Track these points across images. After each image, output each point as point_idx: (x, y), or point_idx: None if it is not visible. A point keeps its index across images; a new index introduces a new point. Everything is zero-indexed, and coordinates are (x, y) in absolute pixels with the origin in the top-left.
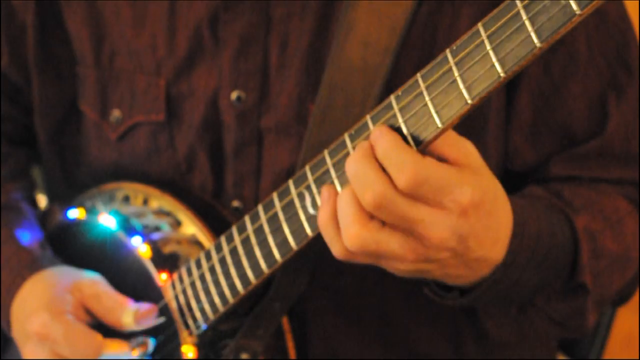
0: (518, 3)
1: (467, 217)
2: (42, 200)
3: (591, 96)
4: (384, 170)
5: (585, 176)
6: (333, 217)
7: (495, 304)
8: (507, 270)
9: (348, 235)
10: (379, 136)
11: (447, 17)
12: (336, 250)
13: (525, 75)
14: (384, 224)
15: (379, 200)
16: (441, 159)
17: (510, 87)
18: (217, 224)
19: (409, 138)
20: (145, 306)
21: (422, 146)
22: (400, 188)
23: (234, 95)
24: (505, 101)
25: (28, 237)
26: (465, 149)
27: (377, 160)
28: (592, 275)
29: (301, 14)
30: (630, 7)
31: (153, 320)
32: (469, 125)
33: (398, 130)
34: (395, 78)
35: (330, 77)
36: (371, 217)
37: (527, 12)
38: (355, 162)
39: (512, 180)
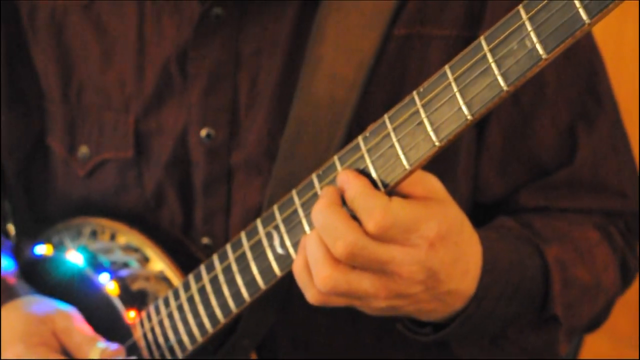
0: (484, 46)
1: (436, 250)
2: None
3: (560, 126)
4: (352, 216)
5: (554, 206)
6: (307, 264)
7: (468, 337)
8: (480, 304)
9: (320, 278)
10: (347, 181)
11: (417, 51)
12: (310, 296)
13: (495, 107)
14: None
15: (349, 249)
16: (407, 196)
17: (481, 120)
18: (186, 261)
19: (377, 180)
20: (113, 346)
21: (389, 188)
22: (369, 232)
23: (203, 132)
24: (475, 134)
25: (4, 265)
26: (429, 184)
27: (344, 205)
28: (563, 306)
29: (270, 50)
30: (630, 7)
31: None
32: (438, 159)
33: (365, 172)
34: (364, 113)
35: (297, 112)
36: None
37: (493, 56)
38: (323, 212)
39: (482, 212)
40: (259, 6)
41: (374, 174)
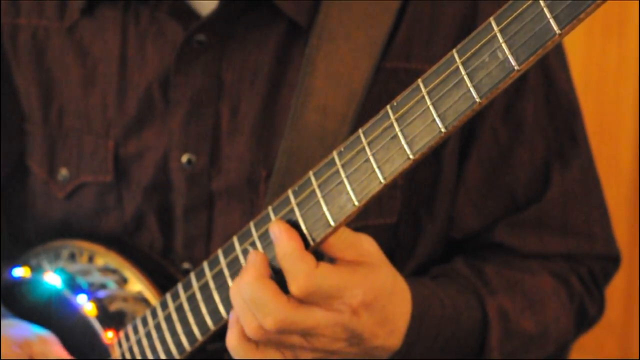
0: (457, 59)
1: (359, 316)
2: None
3: (537, 164)
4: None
5: (520, 250)
6: (242, 332)
7: None
8: (406, 356)
9: (251, 334)
10: (278, 237)
11: (403, 85)
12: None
13: (476, 143)
14: None
15: (279, 326)
16: (336, 259)
17: (462, 155)
18: (165, 282)
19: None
20: None
21: (317, 244)
22: (292, 293)
23: (184, 157)
24: (456, 171)
25: None
26: (362, 248)
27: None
28: (501, 355)
29: (252, 78)
30: (630, 7)
31: None
32: (419, 194)
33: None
34: None
35: (288, 144)
36: None
37: (465, 68)
38: (252, 286)
39: (449, 245)
40: (241, 33)
41: (349, 188)
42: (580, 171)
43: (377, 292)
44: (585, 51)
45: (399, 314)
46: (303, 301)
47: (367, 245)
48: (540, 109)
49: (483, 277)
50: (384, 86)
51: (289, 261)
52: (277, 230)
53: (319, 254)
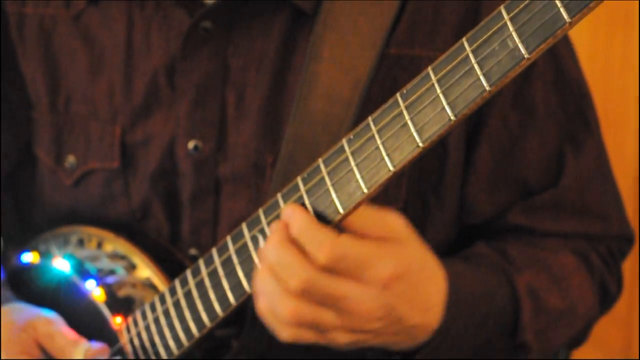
0: (467, 47)
1: (391, 290)
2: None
3: (549, 149)
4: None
5: (537, 229)
6: (270, 306)
7: None
8: (445, 336)
9: (285, 314)
10: (291, 216)
11: (407, 72)
12: (283, 335)
13: (485, 129)
14: None
15: (303, 286)
16: (362, 236)
17: (471, 142)
18: (172, 268)
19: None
20: (97, 345)
21: (341, 217)
22: (320, 265)
23: (191, 144)
24: (463, 157)
25: None
26: (386, 225)
27: (293, 241)
28: (534, 333)
29: (258, 65)
30: (630, 7)
31: None
32: (425, 180)
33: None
34: None
35: (293, 130)
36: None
37: (475, 56)
38: (275, 250)
39: (467, 232)
40: (247, 20)
41: (358, 176)
42: (593, 154)
43: (408, 267)
44: (590, 45)
45: (433, 290)
46: (332, 271)
47: (392, 221)
48: (550, 94)
49: (507, 257)
50: (388, 73)
51: (310, 232)
52: (290, 209)
53: None
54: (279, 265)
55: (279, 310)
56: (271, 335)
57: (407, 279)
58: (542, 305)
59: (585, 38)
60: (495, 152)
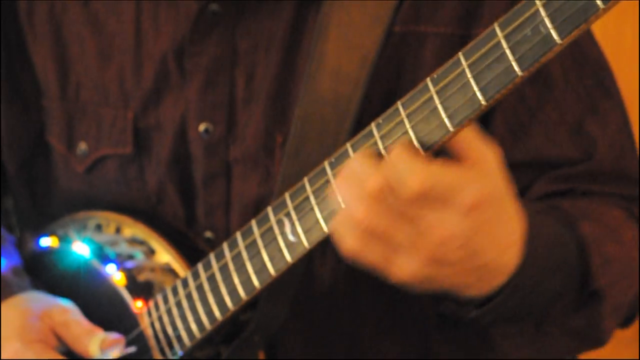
0: (499, 32)
1: (473, 217)
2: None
3: (571, 123)
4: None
5: (576, 190)
6: (345, 215)
7: (512, 317)
8: (523, 278)
9: (358, 215)
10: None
11: (412, 49)
12: (346, 246)
13: (500, 102)
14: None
15: (386, 189)
16: (452, 157)
17: (485, 115)
18: (190, 253)
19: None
20: (113, 335)
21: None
22: (410, 195)
23: (201, 127)
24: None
25: (3, 263)
26: (478, 150)
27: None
28: (604, 281)
29: (267, 46)
30: (630, 7)
31: (120, 350)
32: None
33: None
34: (365, 109)
35: (302, 110)
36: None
37: (507, 42)
38: (358, 159)
39: None
40: (255, 3)
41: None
42: (619, 123)
43: (492, 196)
44: (600, 35)
45: (513, 228)
46: (421, 200)
47: (486, 149)
48: (569, 69)
49: (561, 209)
50: (395, 50)
51: (404, 158)
52: (364, 153)
53: None
54: (359, 171)
55: (352, 212)
56: (285, 313)
57: (489, 208)
58: (605, 253)
59: (596, 28)
60: (511, 126)
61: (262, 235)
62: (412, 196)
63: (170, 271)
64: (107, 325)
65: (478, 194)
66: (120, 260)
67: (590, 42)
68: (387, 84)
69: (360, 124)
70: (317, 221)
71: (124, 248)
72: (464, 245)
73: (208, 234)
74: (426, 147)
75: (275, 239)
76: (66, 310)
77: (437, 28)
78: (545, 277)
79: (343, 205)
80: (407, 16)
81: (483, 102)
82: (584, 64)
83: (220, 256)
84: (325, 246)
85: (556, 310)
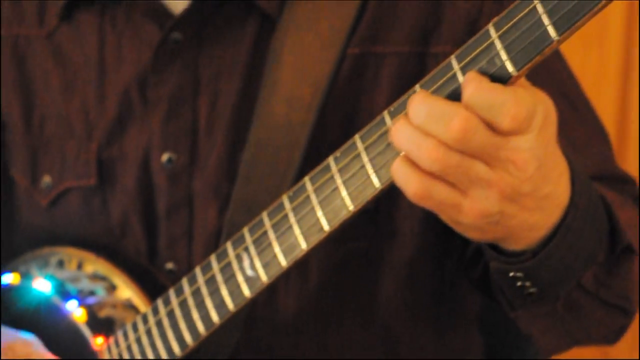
0: (455, 65)
1: (542, 138)
2: None
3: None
4: None
5: None
6: (406, 158)
7: (557, 274)
8: (577, 211)
9: (429, 157)
10: (468, 79)
11: (370, 70)
12: (412, 188)
13: None
14: None
15: (464, 125)
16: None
17: None
18: (152, 288)
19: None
20: None
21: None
22: (503, 130)
23: (164, 157)
24: None
25: None
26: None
27: None
28: (632, 238)
29: (229, 74)
30: (610, 18)
31: None
32: None
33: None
34: (321, 134)
35: (256, 136)
36: None
37: (463, 73)
38: (425, 101)
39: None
40: (217, 30)
41: (344, 193)
42: (590, 133)
43: (548, 118)
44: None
45: (559, 155)
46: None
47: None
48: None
49: None
50: (352, 72)
51: (497, 90)
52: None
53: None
54: (432, 114)
55: (423, 153)
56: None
57: (551, 126)
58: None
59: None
60: None
61: (221, 270)
62: (512, 125)
63: (131, 307)
64: None
65: (546, 110)
66: (81, 297)
67: (555, 57)
68: (344, 107)
69: (317, 150)
70: (275, 255)
71: (86, 284)
72: (537, 170)
73: (170, 266)
74: (383, 182)
75: (233, 274)
76: (28, 343)
77: (395, 47)
78: (587, 217)
79: (411, 148)
80: (364, 37)
81: None
82: (547, 77)
83: (179, 292)
84: (288, 276)
85: (589, 279)
